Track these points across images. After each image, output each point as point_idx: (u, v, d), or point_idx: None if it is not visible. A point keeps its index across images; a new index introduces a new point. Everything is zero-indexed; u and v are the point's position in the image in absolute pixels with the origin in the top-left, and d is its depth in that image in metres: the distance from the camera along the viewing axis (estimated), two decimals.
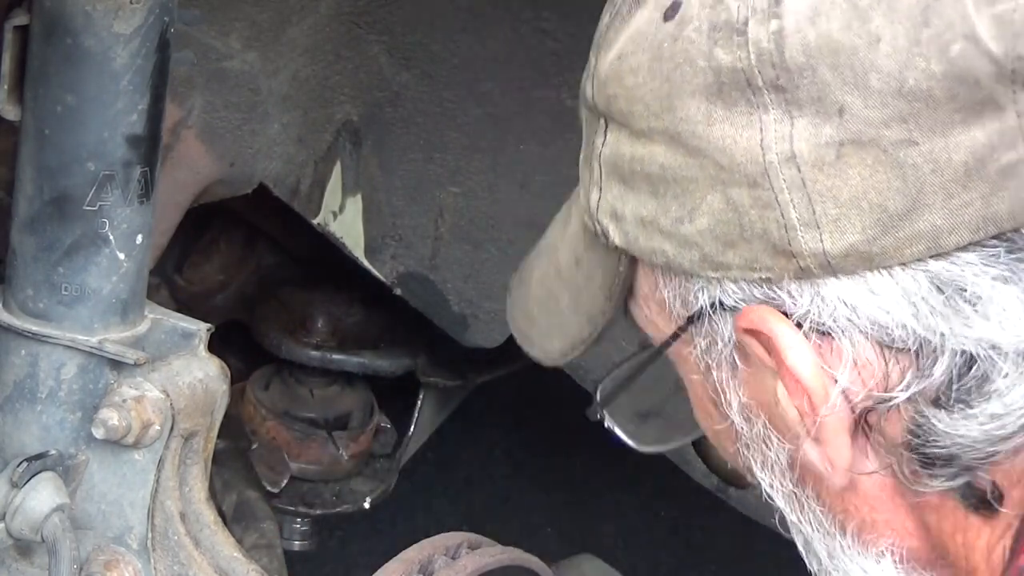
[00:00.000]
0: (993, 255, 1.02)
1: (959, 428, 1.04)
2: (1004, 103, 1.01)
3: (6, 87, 1.49)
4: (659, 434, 1.33)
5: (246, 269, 2.62)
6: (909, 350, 1.04)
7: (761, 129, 1.03)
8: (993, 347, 1.03)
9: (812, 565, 1.18)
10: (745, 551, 3.27)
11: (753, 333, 1.08)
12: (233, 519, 2.22)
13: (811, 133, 1.02)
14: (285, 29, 2.00)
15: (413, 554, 1.62)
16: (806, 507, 1.16)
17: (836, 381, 1.06)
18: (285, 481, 2.44)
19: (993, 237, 1.02)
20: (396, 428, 2.67)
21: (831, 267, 1.04)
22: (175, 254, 2.48)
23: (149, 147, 1.50)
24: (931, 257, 1.02)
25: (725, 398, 1.14)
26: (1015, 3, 1.00)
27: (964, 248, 1.02)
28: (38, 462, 1.51)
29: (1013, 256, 1.02)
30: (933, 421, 1.05)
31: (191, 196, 1.99)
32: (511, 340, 2.41)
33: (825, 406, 1.07)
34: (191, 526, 1.58)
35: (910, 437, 1.06)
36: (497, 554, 1.64)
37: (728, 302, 1.09)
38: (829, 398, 1.06)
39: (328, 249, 2.32)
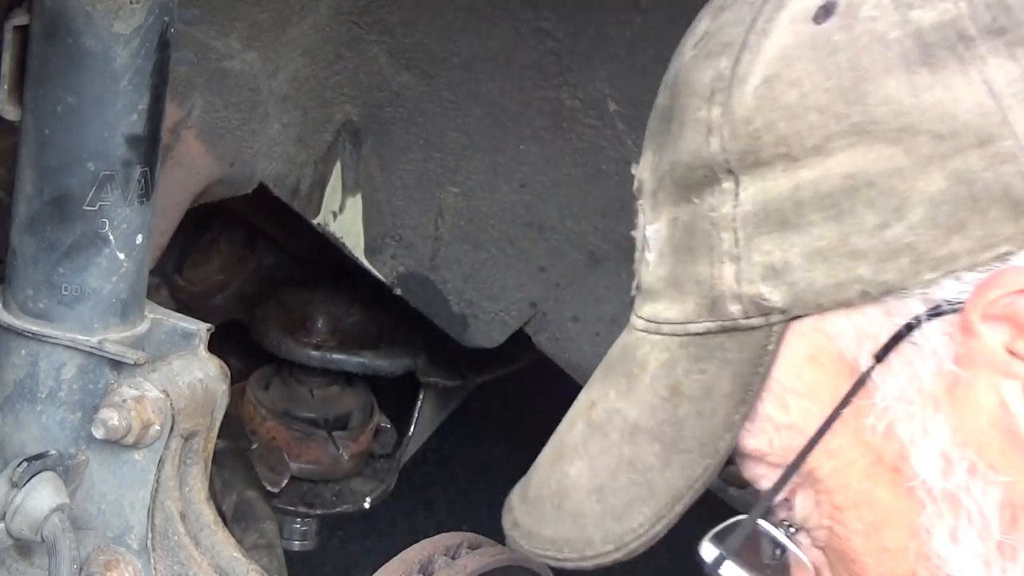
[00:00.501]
0: None
1: None
2: None
3: (6, 87, 1.49)
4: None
5: (246, 269, 2.62)
6: None
7: (984, 80, 0.97)
8: None
9: None
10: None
11: (998, 316, 0.98)
12: (233, 519, 2.22)
13: None
14: (285, 29, 2.00)
15: (413, 554, 1.61)
16: (1017, 556, 1.03)
17: None
18: (285, 481, 2.44)
19: None
20: (396, 428, 2.67)
21: None
22: (175, 254, 2.48)
23: (149, 147, 1.50)
24: None
25: (916, 451, 1.03)
26: None
27: None
28: (38, 462, 1.50)
29: None
30: None
31: (191, 196, 1.99)
32: (511, 340, 2.41)
33: None
34: (191, 526, 1.58)
35: None
36: (497, 554, 1.64)
37: (954, 298, 0.99)
38: None
39: (328, 249, 2.32)
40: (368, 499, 2.58)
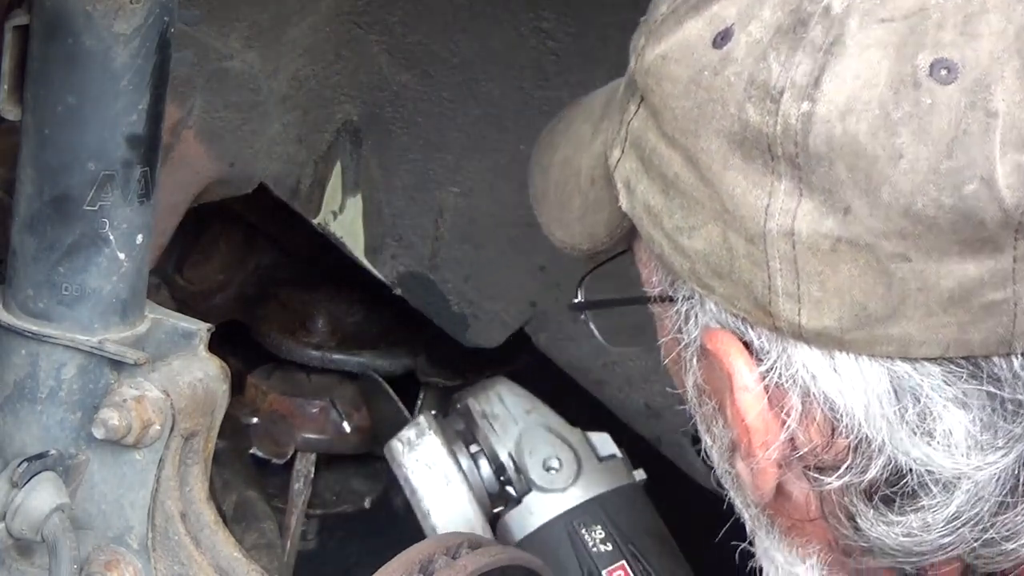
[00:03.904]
0: (957, 375, 1.04)
1: (878, 531, 1.08)
2: (1004, 246, 1.01)
3: (6, 87, 1.49)
4: (631, 336, 1.35)
5: (246, 269, 2.62)
6: (849, 437, 1.07)
7: (770, 194, 1.05)
8: (928, 468, 1.05)
9: (747, 526, 1.23)
10: (745, 551, 3.26)
11: (714, 355, 1.11)
12: (233, 519, 2.22)
13: (813, 219, 1.03)
14: (285, 29, 2.00)
15: (413, 554, 1.61)
16: (739, 488, 1.19)
17: (785, 426, 1.09)
18: (291, 452, 2.43)
19: (962, 358, 1.03)
20: None
21: (803, 338, 1.06)
22: (175, 254, 2.48)
23: (149, 147, 1.50)
24: (899, 358, 1.04)
25: (687, 368, 1.17)
26: None
27: (931, 359, 1.04)
28: (38, 462, 1.50)
29: (974, 383, 1.04)
30: (858, 519, 1.09)
31: (191, 196, 1.99)
32: (511, 340, 2.41)
33: (764, 451, 1.10)
34: (191, 526, 1.58)
35: (842, 513, 1.10)
36: (497, 554, 1.64)
37: (703, 318, 1.12)
38: (770, 444, 1.10)
39: (328, 249, 2.32)
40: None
